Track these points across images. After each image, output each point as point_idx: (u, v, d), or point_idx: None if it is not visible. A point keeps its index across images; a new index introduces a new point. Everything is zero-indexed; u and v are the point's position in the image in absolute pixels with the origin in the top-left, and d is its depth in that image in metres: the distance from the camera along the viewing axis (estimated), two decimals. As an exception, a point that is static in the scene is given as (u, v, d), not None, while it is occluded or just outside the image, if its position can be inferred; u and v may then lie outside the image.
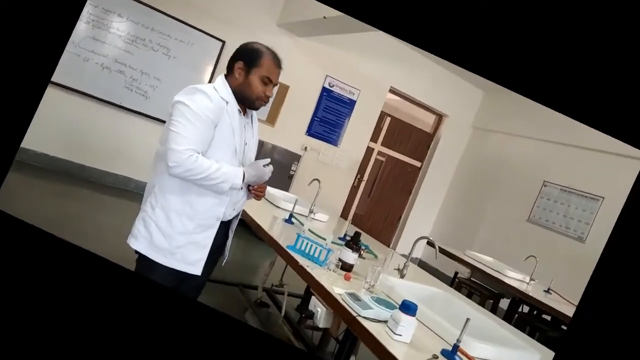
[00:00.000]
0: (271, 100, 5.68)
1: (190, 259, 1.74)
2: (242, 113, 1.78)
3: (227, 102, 1.73)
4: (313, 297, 1.84)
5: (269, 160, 1.84)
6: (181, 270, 1.73)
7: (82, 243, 1.20)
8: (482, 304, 4.17)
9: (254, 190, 1.83)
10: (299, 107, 5.98)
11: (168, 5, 5.08)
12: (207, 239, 1.76)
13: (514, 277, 4.21)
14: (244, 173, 1.73)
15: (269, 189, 2.65)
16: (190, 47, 5.24)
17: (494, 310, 4.30)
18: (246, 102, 1.76)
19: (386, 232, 7.31)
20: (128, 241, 1.76)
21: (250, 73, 1.75)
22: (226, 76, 1.79)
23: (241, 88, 1.76)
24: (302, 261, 1.96)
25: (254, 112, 1.91)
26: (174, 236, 1.71)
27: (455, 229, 7.00)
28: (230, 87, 1.77)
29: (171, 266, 1.72)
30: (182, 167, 1.61)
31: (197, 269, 1.76)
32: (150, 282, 1.66)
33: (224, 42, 5.36)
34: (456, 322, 1.63)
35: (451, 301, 2.17)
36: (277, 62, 1.78)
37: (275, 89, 1.83)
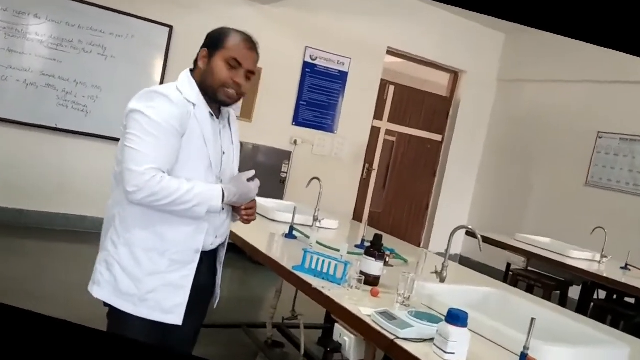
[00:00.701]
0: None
1: (166, 305, 1.72)
2: (214, 116, 1.78)
3: (194, 105, 1.72)
4: (337, 324, 1.84)
5: (253, 172, 1.82)
6: (157, 321, 1.72)
7: (35, 307, 1.19)
8: (547, 297, 4.18)
9: (242, 213, 1.83)
10: (278, 92, 5.99)
11: (94, -7, 5.08)
12: (186, 278, 1.75)
13: (581, 258, 4.21)
14: (223, 191, 1.72)
15: (259, 200, 2.65)
16: (130, 40, 5.24)
17: (563, 302, 4.31)
18: (210, 92, 1.75)
19: (413, 229, 7.33)
20: (89, 288, 1.75)
21: (213, 57, 1.74)
22: (192, 72, 1.80)
23: (204, 78, 1.75)
24: (315, 282, 1.96)
25: (230, 111, 1.91)
26: (143, 278, 1.70)
27: (498, 211, 7.02)
28: (196, 82, 1.76)
29: (143, 316, 1.70)
30: (144, 191, 1.60)
31: (176, 318, 1.74)
32: (125, 341, 1.65)
33: (171, 27, 5.36)
34: (519, 326, 1.62)
35: (508, 300, 2.16)
36: (248, 44, 1.74)
37: (248, 84, 1.80)
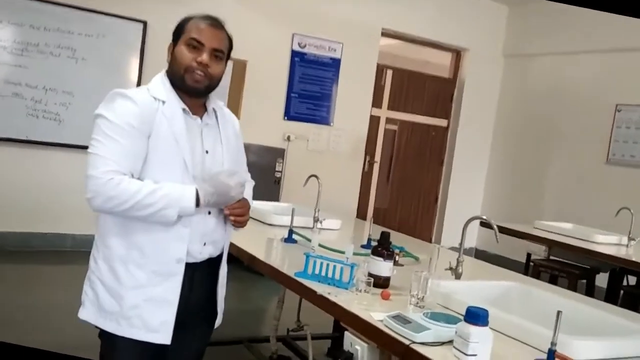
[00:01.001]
0: (226, 82, 5.68)
1: (151, 323, 1.71)
2: (189, 112, 1.79)
3: (163, 102, 1.74)
4: (346, 332, 1.83)
5: (236, 169, 1.82)
6: (143, 341, 1.71)
7: (20, 339, 1.18)
8: (572, 287, 4.19)
9: (229, 215, 1.80)
10: (267, 85, 5.98)
11: (59, -9, 5.07)
12: (170, 292, 1.74)
13: (607, 242, 4.22)
14: (196, 191, 1.71)
15: (253, 204, 2.64)
16: (101, 40, 5.23)
17: (589, 291, 4.32)
18: (178, 82, 1.77)
19: (422, 223, 7.34)
20: (79, 313, 1.77)
21: (176, 45, 1.79)
22: (167, 70, 1.84)
23: (171, 70, 1.79)
24: (321, 288, 1.96)
25: (223, 109, 1.93)
26: (124, 294, 1.71)
27: (514, 197, 7.02)
28: (169, 80, 1.79)
29: (127, 335, 1.70)
30: (100, 196, 1.62)
31: (163, 337, 1.73)
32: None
33: (144, 23, 5.36)
34: (544, 320, 1.62)
35: (531, 294, 2.16)
36: (208, 21, 1.77)
37: (218, 64, 1.80)
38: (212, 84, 1.79)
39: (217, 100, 1.93)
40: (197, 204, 1.71)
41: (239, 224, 1.85)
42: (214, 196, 1.73)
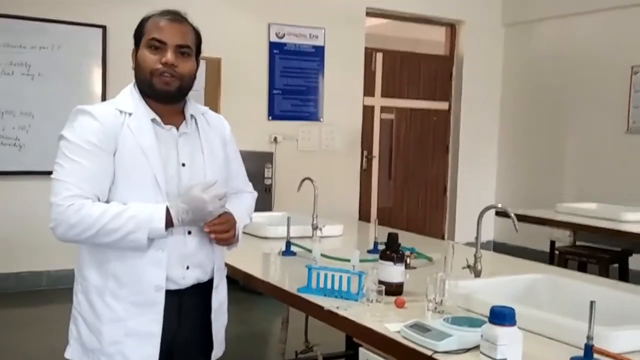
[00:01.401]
0: (200, 83, 5.67)
1: (133, 358, 1.73)
2: (162, 122, 1.80)
3: (129, 114, 1.75)
4: (361, 349, 1.84)
5: (214, 181, 1.77)
6: None
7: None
8: (604, 273, 4.21)
9: (209, 232, 1.77)
10: (245, 83, 5.99)
11: (2, 3, 5.05)
12: (152, 323, 1.74)
13: (636, 220, 4.23)
14: (167, 209, 1.70)
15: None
16: (57, 51, 5.22)
17: (623, 276, 4.34)
18: (147, 88, 1.77)
19: (432, 220, 7.35)
20: (65, 352, 1.79)
21: (138, 50, 1.80)
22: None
23: (137, 76, 1.81)
24: (328, 303, 1.96)
25: (205, 111, 1.93)
26: (103, 329, 1.72)
27: (530, 181, 7.04)
28: (139, 87, 1.81)
29: None
30: (62, 224, 1.65)
31: None
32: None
33: (104, 28, 5.35)
34: (577, 313, 1.62)
35: (559, 285, 2.16)
36: (167, 16, 1.78)
37: (186, 62, 1.81)
38: (184, 84, 1.79)
39: (199, 105, 1.93)
40: (171, 223, 1.71)
41: (224, 242, 1.83)
42: (188, 213, 1.72)
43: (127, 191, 1.71)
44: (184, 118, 1.86)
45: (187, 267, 1.80)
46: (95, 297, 1.74)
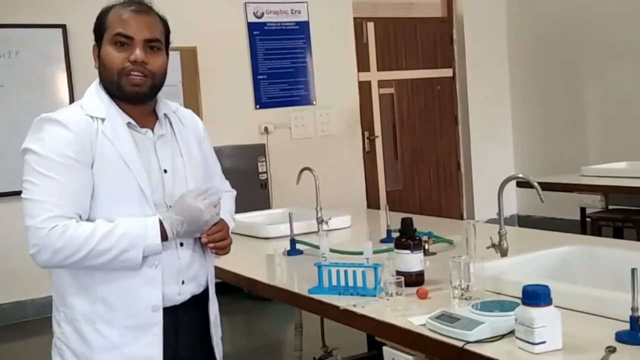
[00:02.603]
0: (176, 77, 5.66)
1: None
2: (137, 126, 1.79)
3: (102, 119, 1.73)
4: (385, 347, 1.84)
5: (206, 187, 1.81)
6: None
7: None
8: (642, 237, 4.22)
9: (208, 242, 1.79)
10: (226, 71, 5.98)
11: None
12: (151, 346, 1.75)
13: (672, 176, 4.24)
14: (160, 222, 1.70)
15: (239, 217, 2.64)
16: (15, 59, 5.21)
17: (665, 238, 4.34)
18: (115, 89, 1.74)
19: (448, 199, 7.36)
20: None
21: (101, 47, 1.77)
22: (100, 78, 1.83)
23: (102, 76, 1.78)
24: (343, 301, 1.96)
25: (177, 108, 1.92)
26: (96, 358, 1.72)
27: (550, 145, 7.03)
28: (105, 88, 1.78)
29: None
30: (45, 250, 1.61)
31: None
32: None
33: (63, 27, 5.33)
34: (618, 284, 1.63)
35: (595, 255, 2.16)
36: (130, 7, 1.75)
37: (157, 57, 1.79)
38: (157, 82, 1.79)
39: (169, 102, 1.92)
40: (165, 237, 1.71)
41: (222, 251, 1.85)
42: (183, 225, 1.73)
43: (111, 206, 1.70)
44: (156, 118, 1.85)
45: (183, 282, 1.82)
46: (83, 326, 1.73)
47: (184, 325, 1.84)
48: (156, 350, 1.75)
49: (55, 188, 1.64)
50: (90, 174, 1.69)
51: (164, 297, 1.76)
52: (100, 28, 1.77)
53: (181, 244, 1.80)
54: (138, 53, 1.72)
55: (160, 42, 1.78)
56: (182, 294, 1.82)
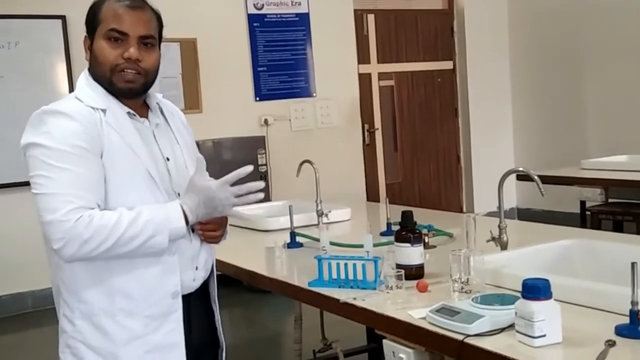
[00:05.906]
0: (176, 69, 5.66)
1: None
2: (136, 116, 1.80)
3: (103, 111, 1.73)
4: (385, 340, 1.85)
5: (201, 169, 1.83)
6: None
7: None
8: (642, 231, 4.22)
9: (201, 231, 1.81)
10: (226, 63, 5.97)
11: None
12: (174, 333, 1.77)
13: (672, 169, 4.23)
14: (181, 207, 1.71)
15: (240, 211, 2.63)
16: (14, 50, 5.20)
17: (664, 232, 4.34)
18: (107, 85, 1.74)
19: (448, 192, 7.36)
20: None
21: (93, 41, 1.76)
22: (89, 70, 1.82)
23: (93, 70, 1.78)
24: (343, 294, 1.97)
25: (165, 103, 1.93)
26: (119, 351, 1.72)
27: (550, 139, 7.04)
28: (95, 81, 1.78)
29: None
30: (73, 242, 1.60)
31: None
32: None
33: (63, 18, 5.33)
34: (617, 278, 1.63)
35: (595, 249, 2.17)
36: (124, 2, 1.73)
37: (151, 54, 1.78)
38: (149, 79, 1.79)
39: (155, 93, 1.92)
40: (186, 220, 1.72)
41: (211, 240, 1.87)
42: (200, 206, 1.73)
43: (122, 195, 1.70)
44: (149, 108, 1.86)
45: (196, 268, 1.85)
46: (103, 320, 1.71)
47: (195, 312, 1.86)
48: (179, 337, 1.78)
49: (73, 179, 1.63)
50: (101, 163, 1.68)
51: (181, 283, 1.78)
52: (93, 20, 1.76)
53: (192, 230, 1.80)
54: (132, 51, 1.72)
55: (154, 39, 1.78)
56: (196, 280, 1.86)
